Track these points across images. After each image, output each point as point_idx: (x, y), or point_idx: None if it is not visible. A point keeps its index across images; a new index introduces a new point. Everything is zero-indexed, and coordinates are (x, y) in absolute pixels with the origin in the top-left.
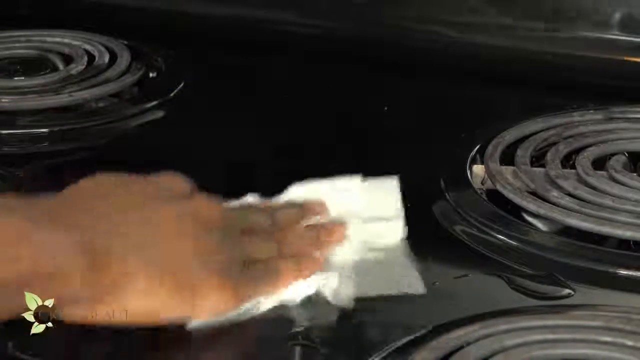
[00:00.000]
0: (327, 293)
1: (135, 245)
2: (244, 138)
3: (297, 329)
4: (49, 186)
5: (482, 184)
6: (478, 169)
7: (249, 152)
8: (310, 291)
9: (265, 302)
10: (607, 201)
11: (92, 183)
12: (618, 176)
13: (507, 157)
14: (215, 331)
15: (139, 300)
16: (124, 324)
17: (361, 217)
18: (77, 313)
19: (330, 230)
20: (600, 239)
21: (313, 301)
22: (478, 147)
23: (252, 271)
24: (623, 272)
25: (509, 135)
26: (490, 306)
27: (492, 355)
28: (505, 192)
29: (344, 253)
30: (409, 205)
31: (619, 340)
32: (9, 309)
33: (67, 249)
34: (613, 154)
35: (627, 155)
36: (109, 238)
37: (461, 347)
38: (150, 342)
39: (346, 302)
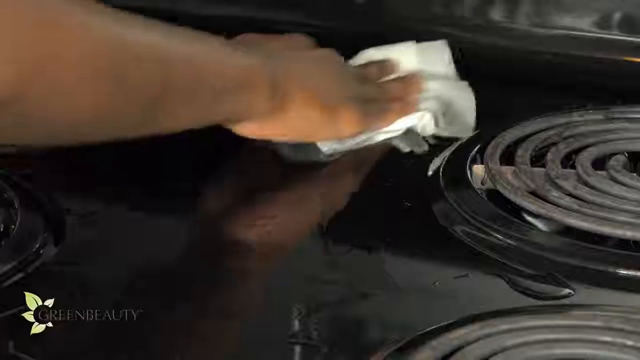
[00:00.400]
0: (419, 127)
1: (300, 76)
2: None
3: (297, 329)
4: (49, 186)
5: (482, 184)
6: (478, 169)
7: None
8: (411, 124)
9: (377, 135)
10: (607, 201)
11: (252, 37)
12: (618, 176)
13: (507, 157)
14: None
15: (298, 120)
16: (284, 138)
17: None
18: (249, 126)
19: (411, 81)
20: (601, 239)
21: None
22: (478, 147)
23: (372, 107)
24: (623, 272)
25: (509, 135)
26: (490, 306)
27: (492, 355)
28: (505, 192)
29: (425, 101)
30: (409, 205)
31: (619, 340)
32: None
33: (263, 69)
34: (613, 154)
35: (627, 155)
36: (286, 68)
37: (461, 347)
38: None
39: (431, 133)
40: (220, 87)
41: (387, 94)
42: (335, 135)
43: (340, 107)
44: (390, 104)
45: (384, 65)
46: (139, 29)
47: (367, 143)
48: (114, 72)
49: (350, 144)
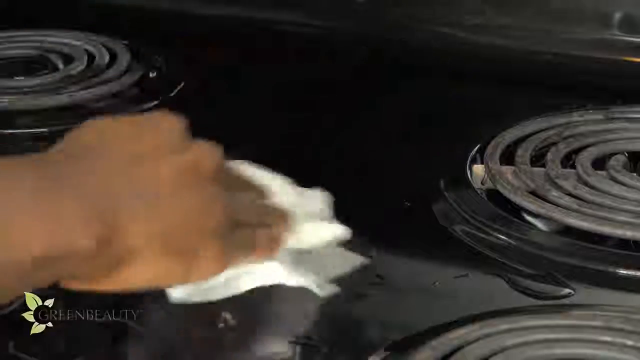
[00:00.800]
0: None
1: (139, 212)
2: (243, 138)
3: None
4: None
5: (482, 183)
6: (478, 168)
7: (248, 152)
8: (283, 278)
9: (246, 281)
10: (607, 201)
11: (89, 133)
12: (618, 176)
13: (507, 157)
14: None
15: (142, 274)
16: (127, 290)
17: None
18: (81, 285)
19: (282, 216)
20: (600, 239)
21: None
22: (478, 147)
23: (239, 236)
24: (623, 271)
25: (509, 135)
26: (490, 306)
27: (492, 355)
28: (505, 192)
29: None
30: (409, 205)
31: (619, 340)
32: (24, 287)
33: (79, 222)
34: (613, 154)
35: (627, 155)
36: (116, 206)
37: (461, 347)
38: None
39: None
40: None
41: (259, 217)
42: (189, 280)
43: (198, 245)
44: (260, 233)
45: (265, 188)
46: None
47: (231, 292)
48: None
49: (209, 288)
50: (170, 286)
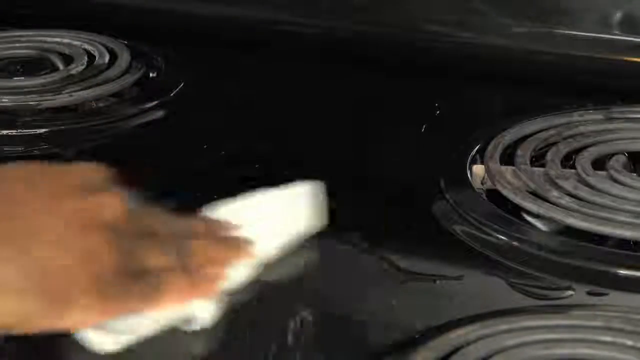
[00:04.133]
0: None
1: (14, 247)
2: (244, 138)
3: (297, 329)
4: None
5: (482, 184)
6: (478, 169)
7: (249, 152)
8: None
9: (147, 325)
10: (607, 201)
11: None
12: (618, 176)
13: (507, 157)
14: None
15: (7, 308)
16: None
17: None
18: None
19: (237, 247)
20: (601, 239)
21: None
22: (478, 147)
23: (139, 282)
24: (623, 271)
25: (509, 135)
26: (490, 306)
27: (492, 355)
28: (505, 192)
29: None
30: (409, 204)
31: (619, 340)
32: None
33: None
34: (613, 154)
35: (627, 155)
36: None
37: (461, 347)
38: None
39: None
40: None
41: (186, 260)
42: (67, 323)
43: (75, 287)
44: (175, 278)
45: (214, 222)
46: None
47: (132, 338)
48: None
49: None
50: (34, 329)
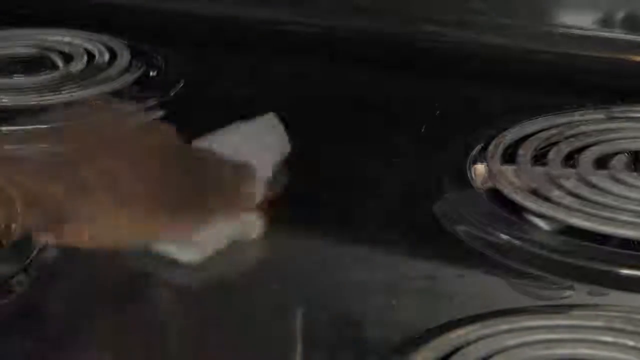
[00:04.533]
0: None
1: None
2: None
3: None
4: None
5: (483, 183)
6: (479, 168)
7: None
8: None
9: (217, 238)
10: (609, 200)
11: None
12: (620, 175)
13: (509, 157)
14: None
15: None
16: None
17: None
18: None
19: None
20: (602, 239)
21: None
22: (479, 147)
23: (208, 200)
24: (625, 271)
25: (510, 135)
26: (490, 306)
27: (492, 355)
28: (506, 192)
29: None
30: (409, 204)
31: (620, 340)
32: None
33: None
34: (615, 154)
35: (628, 154)
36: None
37: (461, 347)
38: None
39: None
40: None
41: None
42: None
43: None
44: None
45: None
46: None
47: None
48: None
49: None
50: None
